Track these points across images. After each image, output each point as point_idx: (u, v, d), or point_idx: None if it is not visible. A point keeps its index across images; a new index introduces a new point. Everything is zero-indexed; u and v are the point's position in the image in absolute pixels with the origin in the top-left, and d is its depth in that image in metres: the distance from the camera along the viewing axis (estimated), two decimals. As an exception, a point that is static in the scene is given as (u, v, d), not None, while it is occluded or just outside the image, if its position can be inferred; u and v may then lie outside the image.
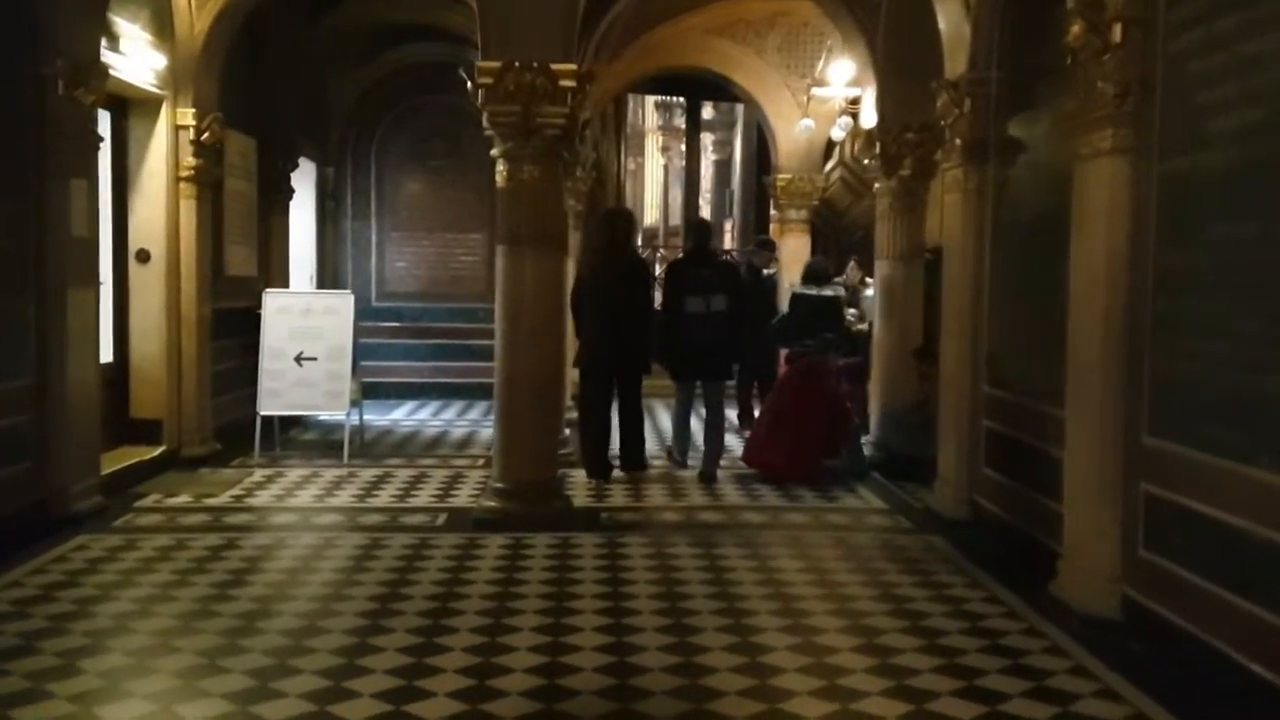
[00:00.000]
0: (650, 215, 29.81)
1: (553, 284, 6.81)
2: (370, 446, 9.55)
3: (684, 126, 26.88)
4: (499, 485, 6.71)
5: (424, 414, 11.96)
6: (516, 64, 6.45)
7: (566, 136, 6.77)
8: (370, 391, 12.73)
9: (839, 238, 15.08)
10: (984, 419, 6.65)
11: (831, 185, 14.18)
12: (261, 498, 7.44)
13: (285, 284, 11.03)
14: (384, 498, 7.50)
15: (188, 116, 8.39)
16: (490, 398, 7.58)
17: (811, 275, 10.01)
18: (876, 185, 8.94)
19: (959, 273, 6.86)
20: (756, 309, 10.54)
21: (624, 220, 8.71)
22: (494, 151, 6.71)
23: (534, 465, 6.70)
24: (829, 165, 14.25)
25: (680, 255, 10.62)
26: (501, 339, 6.73)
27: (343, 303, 8.99)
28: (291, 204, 11.73)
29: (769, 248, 11.10)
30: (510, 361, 6.70)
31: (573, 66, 6.55)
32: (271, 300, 8.90)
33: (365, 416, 11.20)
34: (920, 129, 8.54)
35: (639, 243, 14.63)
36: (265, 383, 8.77)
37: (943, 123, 7.03)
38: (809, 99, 11.38)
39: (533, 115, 6.50)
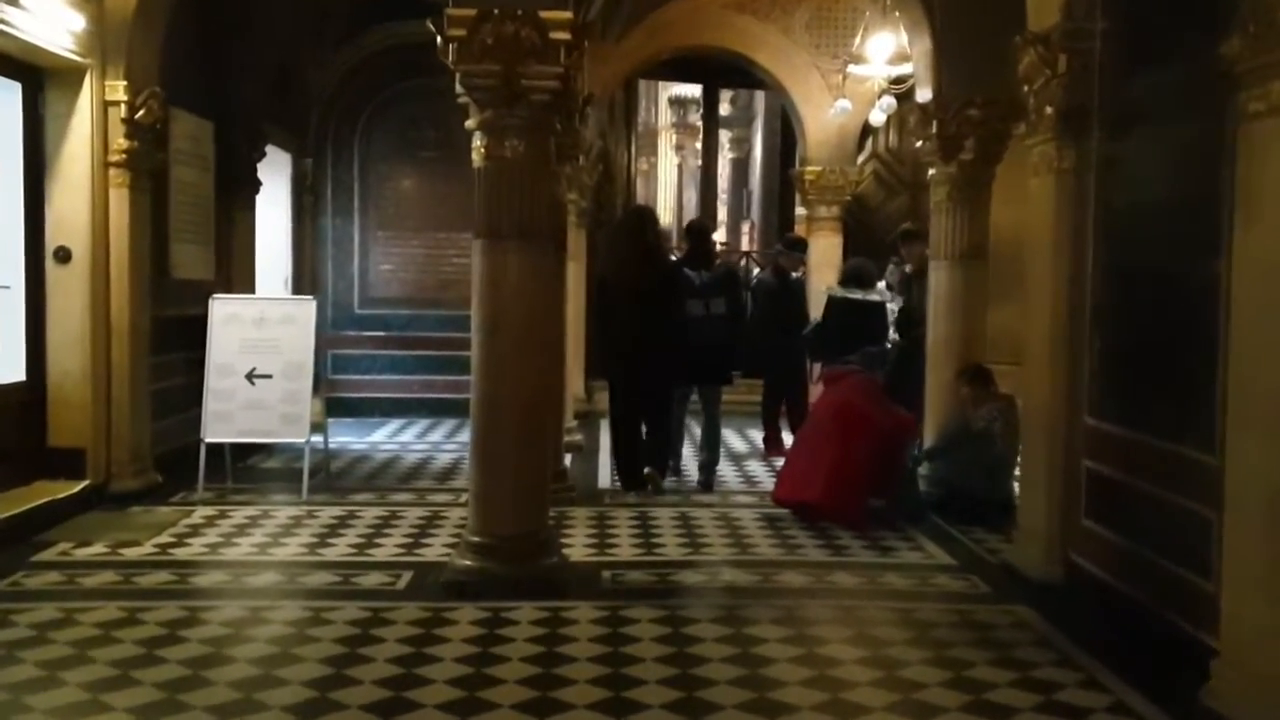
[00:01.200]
0: (663, 218, 28.48)
1: (543, 287, 5.47)
2: (338, 477, 8.22)
3: (698, 122, 25.60)
4: (474, 539, 5.37)
5: (408, 435, 10.63)
6: (496, 11, 5.12)
7: (560, 104, 5.44)
8: (352, 409, 11.52)
9: (871, 238, 13.69)
10: (1085, 458, 5.28)
11: (864, 180, 12.85)
12: (192, 547, 6.12)
13: (250, 288, 9.76)
14: (340, 548, 6.17)
15: (118, 90, 7.08)
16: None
17: (854, 277, 8.69)
18: (931, 172, 7.58)
19: (1049, 274, 5.50)
20: (785, 317, 9.24)
21: (652, 221, 7.94)
22: (470, 122, 5.39)
23: (518, 514, 5.36)
24: (861, 158, 12.94)
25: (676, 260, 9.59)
26: (478, 354, 5.40)
27: (302, 310, 7.66)
28: (261, 199, 10.45)
29: (799, 248, 9.74)
30: (488, 383, 5.36)
31: (567, 15, 5.22)
32: (219, 307, 7.59)
33: (341, 438, 9.97)
34: (985, 104, 7.22)
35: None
36: (211, 404, 7.46)
37: (1026, 88, 5.67)
38: (845, 78, 10.05)
39: (517, 76, 5.18)
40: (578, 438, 9.82)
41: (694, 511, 7.19)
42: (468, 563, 5.33)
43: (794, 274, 9.58)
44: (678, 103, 26.83)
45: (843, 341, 8.61)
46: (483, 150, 5.32)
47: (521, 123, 5.26)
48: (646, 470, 7.71)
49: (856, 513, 6.78)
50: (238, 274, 9.55)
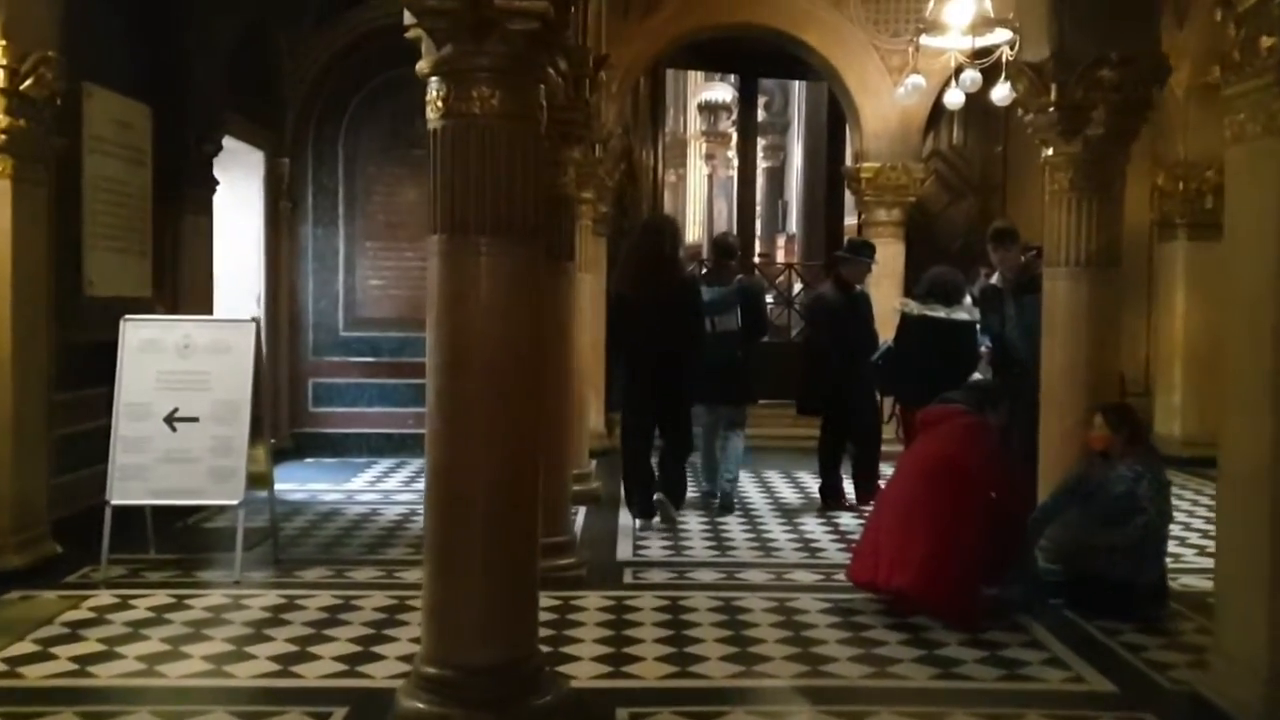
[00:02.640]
0: (692, 231, 26.78)
1: (530, 305, 3.79)
2: (291, 544, 6.55)
3: (730, 129, 23.94)
4: (428, 671, 3.68)
5: (395, 480, 8.97)
6: (455, -102, 3.49)
7: (550, 42, 3.80)
8: (336, 447, 10.00)
9: (933, 247, 11.96)
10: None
11: (925, 179, 11.13)
12: (56, 661, 4.46)
13: (205, 308, 8.19)
14: (260, 662, 4.49)
15: (-5, 52, 5.52)
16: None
17: (935, 290, 7.01)
18: (1046, 153, 5.85)
19: (1270, 279, 3.77)
20: (851, 340, 7.54)
21: (671, 231, 7.38)
22: (422, 65, 3.76)
23: (491, 638, 3.67)
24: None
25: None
26: (434, 404, 3.73)
27: (239, 335, 6.00)
28: (230, 205, 9.06)
29: (865, 252, 7.91)
30: (448, 447, 3.69)
31: (560, -96, 3.58)
32: (133, 331, 5.94)
33: (313, 486, 8.47)
34: (1122, 62, 5.52)
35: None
36: (120, 456, 5.81)
37: (1221, 13, 3.96)
38: (916, 49, 8.36)
39: (487, -3, 3.54)
40: (594, 485, 8.15)
41: (742, 597, 5.47)
42: (418, 705, 3.65)
43: (859, 286, 7.81)
44: (708, 108, 25.20)
45: (921, 371, 6.96)
46: (440, 104, 3.67)
47: (496, 64, 3.61)
48: (657, 496, 7.13)
49: (965, 606, 5.05)
50: (187, 291, 7.96)
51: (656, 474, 7.20)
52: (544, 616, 4.93)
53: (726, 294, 7.51)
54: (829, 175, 12.81)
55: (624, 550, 6.52)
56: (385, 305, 10.29)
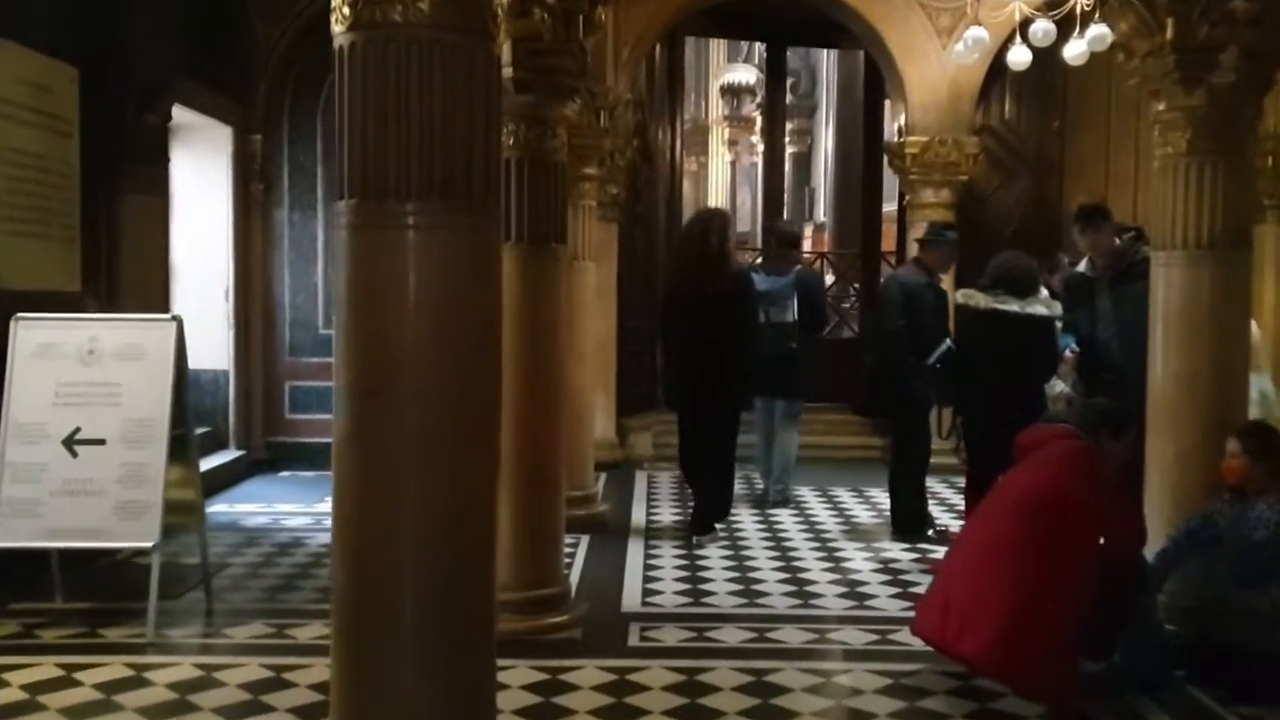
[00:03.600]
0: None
1: (482, 301, 2.65)
2: (232, 587, 5.43)
3: (754, 114, 22.77)
4: (337, 828, 2.58)
5: (374, 500, 7.86)
6: None
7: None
8: (314, 458, 8.90)
9: (980, 232, 10.77)
10: None
11: (978, 155, 9.92)
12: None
13: (158, 305, 7.10)
14: (139, 776, 3.41)
15: None
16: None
17: (1004, 278, 5.86)
18: (1158, 108, 4.68)
19: None
20: (923, 333, 6.40)
21: (719, 225, 6.85)
22: (322, -44, 2.62)
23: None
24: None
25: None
26: (344, 444, 2.62)
27: (156, 336, 4.89)
28: (195, 187, 8.14)
29: (942, 237, 6.67)
30: (361, 509, 2.57)
31: None
32: (26, 333, 4.85)
33: (282, 507, 7.43)
34: (1261, -11, 4.35)
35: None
36: (8, 488, 4.71)
37: None
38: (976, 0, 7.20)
39: None
40: (600, 508, 7.06)
41: (777, 668, 4.31)
42: None
43: (940, 275, 6.67)
44: (730, 91, 24.02)
45: (987, 377, 5.83)
46: (347, 11, 2.58)
47: (426, -49, 2.49)
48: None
49: (1057, 681, 3.91)
50: (127, 284, 6.84)
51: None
52: (523, 699, 3.87)
53: (783, 285, 7.28)
54: (866, 156, 11.62)
55: (631, 597, 5.35)
56: (370, 300, 9.21)
